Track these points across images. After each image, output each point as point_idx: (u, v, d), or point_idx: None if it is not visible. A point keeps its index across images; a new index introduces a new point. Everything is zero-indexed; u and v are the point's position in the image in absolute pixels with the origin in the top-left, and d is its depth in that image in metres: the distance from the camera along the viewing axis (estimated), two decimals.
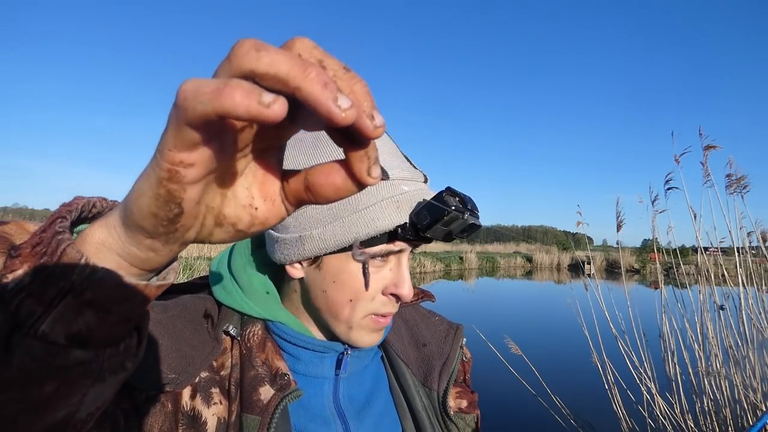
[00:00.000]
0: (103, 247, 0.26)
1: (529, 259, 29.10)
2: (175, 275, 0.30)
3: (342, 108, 0.20)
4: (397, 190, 0.49)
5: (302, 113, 0.23)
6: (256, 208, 0.26)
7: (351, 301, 0.52)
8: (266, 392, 0.49)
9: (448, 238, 0.47)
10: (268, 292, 0.56)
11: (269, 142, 0.26)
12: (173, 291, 0.57)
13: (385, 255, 0.51)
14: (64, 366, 0.25)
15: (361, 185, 0.24)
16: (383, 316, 0.54)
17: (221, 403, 0.49)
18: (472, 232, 0.47)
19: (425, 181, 0.54)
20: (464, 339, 0.67)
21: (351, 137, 0.22)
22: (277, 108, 0.19)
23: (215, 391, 0.49)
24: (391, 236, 0.49)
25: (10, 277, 0.25)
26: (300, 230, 0.50)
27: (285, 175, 0.26)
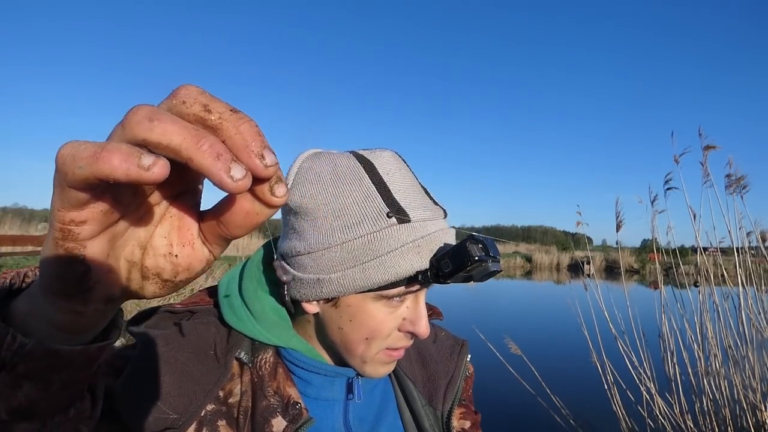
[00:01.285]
0: (28, 316, 0.25)
1: (529, 259, 29.09)
2: (119, 333, 0.30)
3: (235, 179, 0.20)
4: (418, 233, 0.48)
5: None
6: (176, 256, 0.26)
7: (367, 339, 0.51)
8: (278, 424, 0.48)
9: (467, 281, 0.47)
10: (279, 318, 0.55)
11: (180, 188, 0.26)
12: (178, 312, 0.55)
13: (403, 295, 0.51)
14: None
15: (270, 206, 0.23)
16: (396, 349, 0.54)
17: None
18: (492, 276, 0.47)
19: (444, 217, 0.53)
20: (469, 355, 0.67)
21: None
22: (157, 171, 0.19)
23: (222, 423, 0.48)
24: (410, 280, 0.49)
25: None
26: (318, 273, 0.49)
27: (202, 216, 0.26)
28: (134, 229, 0.25)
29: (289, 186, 0.49)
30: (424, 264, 0.48)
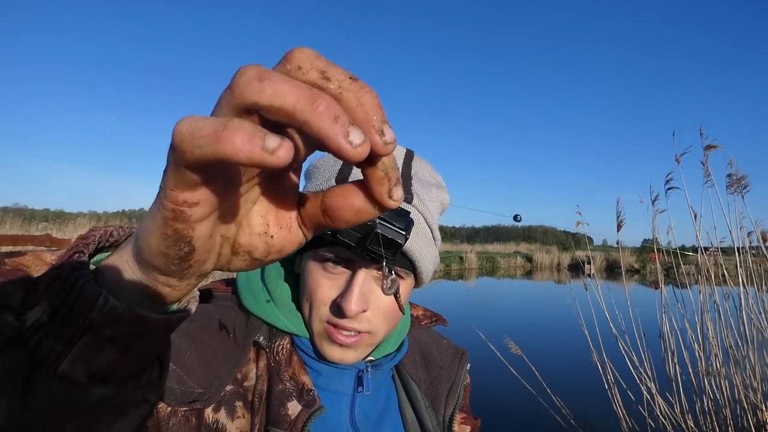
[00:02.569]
0: (120, 282, 0.25)
1: (529, 259, 29.10)
2: (196, 303, 0.30)
3: (353, 144, 0.18)
4: None
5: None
6: (272, 236, 0.25)
7: (307, 300, 0.54)
8: (294, 408, 0.50)
9: (365, 250, 0.45)
10: (297, 308, 0.58)
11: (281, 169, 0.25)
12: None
13: (330, 260, 0.52)
14: (85, 404, 0.25)
15: (382, 207, 0.22)
16: (337, 328, 0.53)
17: (244, 417, 0.49)
18: (390, 248, 0.44)
19: None
20: (468, 365, 0.69)
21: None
22: (282, 154, 0.18)
23: (239, 404, 0.49)
24: (335, 242, 0.48)
25: (28, 314, 0.24)
26: None
27: (301, 199, 0.25)
28: (234, 207, 0.24)
29: None
30: None
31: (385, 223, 0.44)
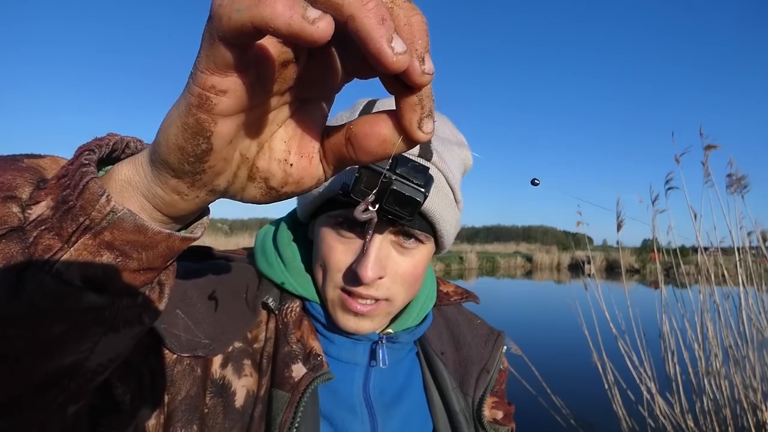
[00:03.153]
0: (127, 185, 0.24)
1: (530, 259, 29.09)
2: (204, 231, 0.29)
3: (395, 51, 0.18)
4: None
5: (351, 55, 0.21)
6: (291, 165, 0.24)
7: (320, 267, 0.52)
8: (298, 370, 0.48)
9: (382, 210, 0.41)
10: (309, 272, 0.56)
11: (313, 92, 0.24)
12: (214, 257, 0.57)
13: (344, 224, 0.50)
14: (75, 309, 0.24)
15: (410, 140, 0.22)
16: (353, 296, 0.51)
17: (252, 375, 0.49)
18: (408, 206, 0.41)
19: (419, 155, 0.51)
20: (505, 347, 0.65)
21: (401, 80, 0.20)
22: (322, 26, 0.17)
23: (247, 363, 0.49)
24: (334, 199, 0.48)
25: (33, 208, 0.24)
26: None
27: (327, 132, 0.24)
28: (258, 123, 0.23)
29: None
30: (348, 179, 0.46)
31: (402, 180, 0.41)
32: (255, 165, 0.24)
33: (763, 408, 1.97)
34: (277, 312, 0.52)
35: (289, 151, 0.24)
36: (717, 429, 2.14)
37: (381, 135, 0.22)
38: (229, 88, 0.20)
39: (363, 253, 0.48)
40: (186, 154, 0.22)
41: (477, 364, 0.60)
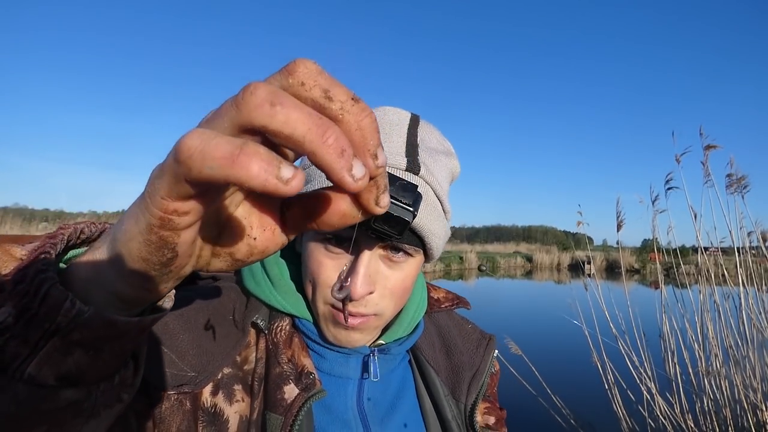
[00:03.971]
0: (90, 284, 0.24)
1: (530, 259, 29.09)
2: (172, 302, 0.29)
3: (355, 178, 0.19)
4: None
5: None
6: (255, 238, 0.24)
7: (310, 282, 0.52)
8: (291, 391, 0.47)
9: (370, 228, 0.43)
10: (297, 288, 0.55)
11: None
12: (202, 278, 0.55)
13: (332, 240, 0.49)
14: (53, 408, 0.24)
15: (367, 213, 0.22)
16: (342, 312, 0.49)
17: (243, 400, 0.48)
18: (397, 226, 0.42)
19: (407, 169, 0.50)
20: (496, 351, 0.65)
21: None
22: (295, 184, 0.18)
23: (238, 387, 0.48)
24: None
25: None
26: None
27: (285, 201, 0.25)
28: (218, 211, 0.23)
29: None
30: None
31: (391, 199, 0.41)
32: (218, 245, 0.25)
33: (763, 408, 1.97)
34: (266, 331, 0.52)
35: (251, 226, 0.24)
36: (717, 429, 2.14)
37: (340, 211, 0.22)
38: (191, 209, 0.20)
39: (353, 270, 0.48)
40: (152, 263, 0.22)
41: (469, 370, 0.60)
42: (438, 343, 0.63)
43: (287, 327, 0.52)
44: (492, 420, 0.60)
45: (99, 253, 0.24)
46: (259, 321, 0.51)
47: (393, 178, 0.43)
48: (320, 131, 0.18)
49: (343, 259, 0.50)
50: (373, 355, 0.55)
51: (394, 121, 0.53)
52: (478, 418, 0.58)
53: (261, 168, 0.17)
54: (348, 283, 0.47)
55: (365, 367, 0.55)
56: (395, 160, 0.50)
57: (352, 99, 0.20)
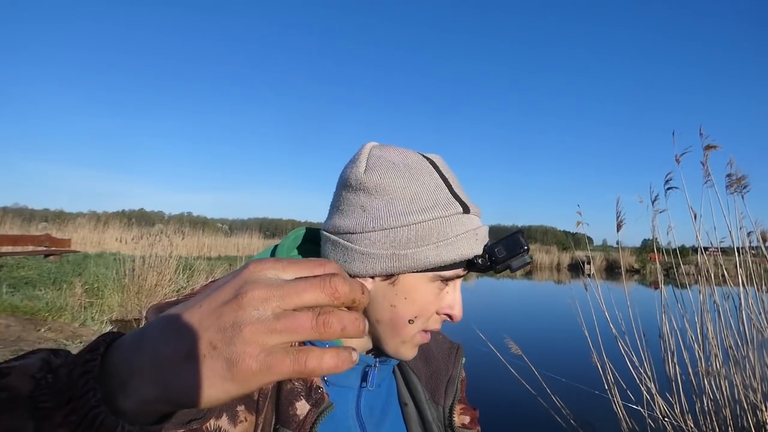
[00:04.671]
0: (141, 411, 0.26)
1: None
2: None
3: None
4: (474, 224, 0.55)
5: None
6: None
7: (413, 318, 0.54)
8: (302, 407, 0.48)
9: (507, 269, 0.55)
10: None
11: None
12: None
13: (455, 279, 0.55)
14: None
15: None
16: (428, 332, 0.57)
17: (247, 419, 0.48)
18: (525, 266, 0.55)
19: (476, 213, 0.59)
20: (464, 359, 0.70)
21: None
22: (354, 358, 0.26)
23: (241, 408, 0.48)
24: (468, 263, 0.54)
25: None
26: (393, 249, 0.51)
27: None
28: None
29: (364, 169, 0.52)
30: (479, 250, 0.54)
31: (523, 254, 0.54)
32: None
33: (763, 408, 1.97)
34: None
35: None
36: (717, 429, 2.14)
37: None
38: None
39: (455, 298, 0.56)
40: (189, 412, 0.26)
41: (444, 376, 0.65)
42: (417, 351, 0.66)
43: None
44: (467, 419, 0.65)
45: (146, 392, 0.25)
46: None
47: (523, 233, 0.54)
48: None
49: (443, 292, 0.56)
50: (375, 365, 0.58)
51: (449, 169, 0.58)
52: (456, 418, 0.63)
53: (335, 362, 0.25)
54: (452, 310, 0.56)
55: (364, 377, 0.57)
56: (478, 208, 0.57)
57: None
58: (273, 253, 0.59)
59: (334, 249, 0.53)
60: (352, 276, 0.52)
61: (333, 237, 0.52)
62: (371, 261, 0.51)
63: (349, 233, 0.52)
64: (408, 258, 0.51)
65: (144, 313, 0.49)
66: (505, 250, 0.54)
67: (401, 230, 0.50)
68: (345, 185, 0.54)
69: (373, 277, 0.53)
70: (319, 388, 0.50)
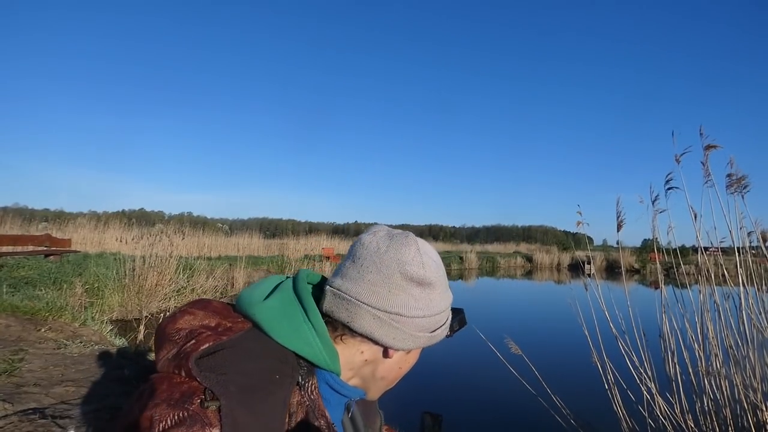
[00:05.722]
0: None
1: (530, 259, 29.09)
2: None
3: None
4: (449, 312, 0.69)
5: None
6: None
7: (401, 369, 0.66)
8: None
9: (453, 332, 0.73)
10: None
11: None
12: (229, 345, 0.51)
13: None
14: None
15: None
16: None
17: None
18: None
19: None
20: None
21: None
22: None
23: None
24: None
25: None
26: (427, 332, 0.63)
27: None
28: None
29: (419, 265, 0.61)
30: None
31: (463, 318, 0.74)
32: None
33: (763, 408, 1.97)
34: (302, 388, 0.54)
35: None
36: (717, 429, 2.14)
37: None
38: None
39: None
40: None
41: (371, 403, 0.75)
42: None
43: (315, 380, 0.56)
44: None
45: None
46: (300, 380, 0.54)
47: (459, 314, 0.73)
48: None
49: None
50: (358, 399, 0.67)
51: (442, 264, 0.67)
52: None
53: None
54: None
55: (347, 408, 0.66)
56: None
57: None
58: (300, 297, 0.60)
59: (381, 324, 0.59)
60: (389, 348, 0.61)
61: (380, 314, 0.58)
62: (412, 341, 0.61)
63: (398, 314, 0.59)
64: (434, 338, 0.64)
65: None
66: (459, 325, 0.73)
67: (434, 318, 0.62)
68: (400, 272, 0.59)
69: (408, 351, 0.64)
70: (332, 424, 0.55)
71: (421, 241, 0.64)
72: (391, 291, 0.58)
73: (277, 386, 0.50)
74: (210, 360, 0.48)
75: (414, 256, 0.60)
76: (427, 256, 0.62)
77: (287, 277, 0.65)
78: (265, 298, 0.59)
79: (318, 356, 0.56)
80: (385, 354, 0.61)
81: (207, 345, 0.49)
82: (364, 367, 0.62)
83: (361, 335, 0.59)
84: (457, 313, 0.72)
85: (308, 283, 0.64)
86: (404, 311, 0.59)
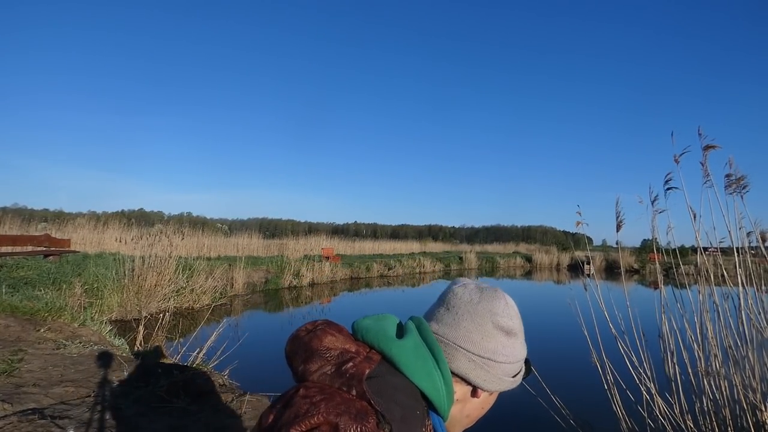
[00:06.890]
0: None
1: (529, 259, 29.12)
2: None
3: None
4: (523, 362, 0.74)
5: None
6: None
7: (483, 409, 0.73)
8: None
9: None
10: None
11: None
12: (377, 375, 0.56)
13: None
14: None
15: None
16: None
17: None
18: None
19: None
20: None
21: None
22: None
23: None
24: None
25: None
26: (513, 375, 0.70)
27: None
28: None
29: (509, 316, 0.69)
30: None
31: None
32: None
33: (763, 408, 1.97)
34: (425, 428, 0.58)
35: None
36: (716, 429, 2.14)
37: None
38: None
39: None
40: None
41: None
42: None
43: (431, 420, 0.60)
44: None
45: None
46: (428, 423, 0.59)
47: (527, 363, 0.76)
48: None
49: None
50: None
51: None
52: None
53: None
54: None
55: None
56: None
57: None
58: (429, 344, 0.64)
59: (474, 366, 0.66)
60: (479, 388, 0.67)
61: (474, 358, 0.65)
62: (499, 383, 0.68)
63: (489, 359, 0.66)
64: (514, 383, 0.70)
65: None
66: (527, 372, 0.78)
67: (516, 365, 0.69)
68: (492, 321, 0.67)
69: (491, 393, 0.69)
70: None
71: (507, 296, 0.71)
72: (484, 338, 0.66)
73: (420, 421, 0.56)
74: (373, 385, 0.53)
75: (504, 308, 0.68)
76: (513, 309, 0.70)
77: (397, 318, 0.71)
78: (397, 337, 0.63)
79: (441, 401, 0.60)
80: (473, 394, 0.68)
81: (368, 371, 0.55)
82: (454, 405, 0.66)
83: (457, 376, 0.65)
84: (527, 363, 0.77)
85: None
86: (494, 357, 0.66)
